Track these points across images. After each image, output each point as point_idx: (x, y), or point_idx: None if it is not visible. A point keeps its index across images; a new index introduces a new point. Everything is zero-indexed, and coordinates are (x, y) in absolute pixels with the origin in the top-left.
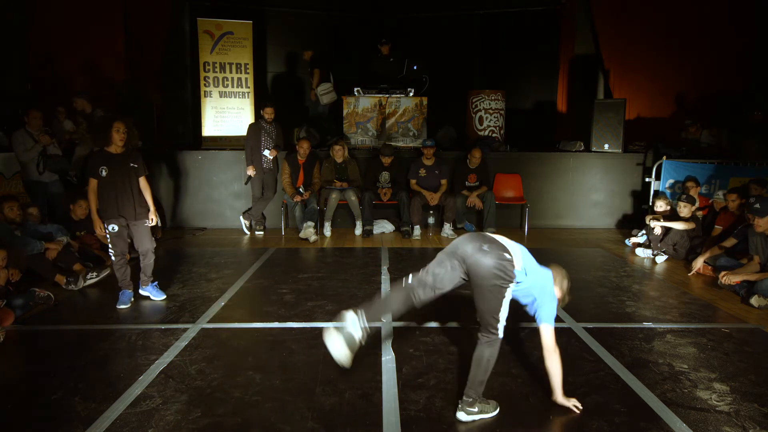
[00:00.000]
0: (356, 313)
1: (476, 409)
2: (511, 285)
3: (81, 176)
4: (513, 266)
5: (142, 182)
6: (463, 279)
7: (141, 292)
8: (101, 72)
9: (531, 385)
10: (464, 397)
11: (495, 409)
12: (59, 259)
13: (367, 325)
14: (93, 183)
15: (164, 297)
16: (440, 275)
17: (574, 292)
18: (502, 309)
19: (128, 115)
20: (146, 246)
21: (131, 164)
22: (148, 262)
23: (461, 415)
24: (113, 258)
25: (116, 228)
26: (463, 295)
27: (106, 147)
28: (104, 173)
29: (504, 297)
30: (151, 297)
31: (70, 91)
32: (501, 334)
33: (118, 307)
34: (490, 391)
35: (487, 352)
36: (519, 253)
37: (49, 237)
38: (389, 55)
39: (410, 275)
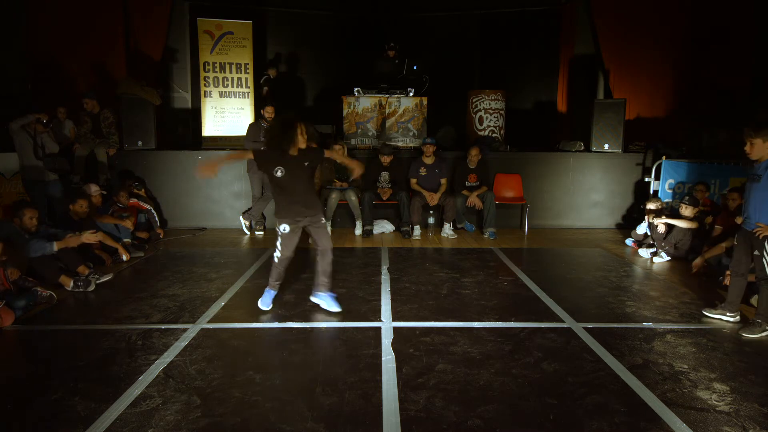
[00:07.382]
0: None
1: (763, 328)
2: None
3: (83, 178)
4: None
5: None
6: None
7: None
8: (101, 72)
9: (531, 385)
10: (756, 319)
11: None
12: (63, 260)
13: None
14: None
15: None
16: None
17: (576, 287)
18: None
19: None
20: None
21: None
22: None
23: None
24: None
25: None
26: (462, 295)
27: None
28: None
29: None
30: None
31: (71, 92)
32: None
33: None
34: (490, 391)
35: (766, 292)
36: None
37: (55, 237)
38: (394, 59)
39: None
